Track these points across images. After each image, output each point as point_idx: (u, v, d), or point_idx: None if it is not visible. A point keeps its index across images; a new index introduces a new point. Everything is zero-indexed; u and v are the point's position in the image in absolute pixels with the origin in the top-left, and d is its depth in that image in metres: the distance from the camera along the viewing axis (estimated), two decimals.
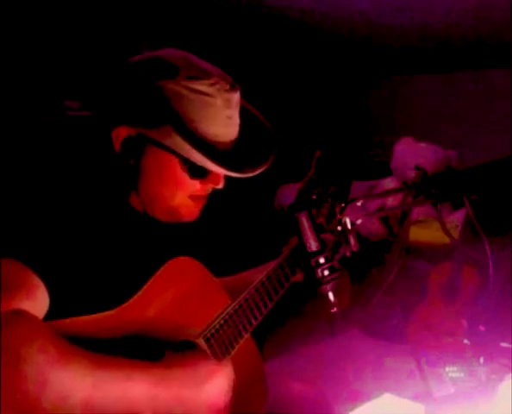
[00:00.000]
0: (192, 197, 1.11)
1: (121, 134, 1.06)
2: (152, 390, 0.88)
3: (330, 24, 2.98)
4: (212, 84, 1.05)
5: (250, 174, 1.10)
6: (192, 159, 1.04)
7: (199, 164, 1.04)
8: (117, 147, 1.06)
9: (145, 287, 1.01)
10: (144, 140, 1.05)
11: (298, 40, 3.25)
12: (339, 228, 1.25)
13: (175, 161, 1.06)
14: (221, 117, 1.08)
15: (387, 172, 3.48)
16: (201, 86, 1.04)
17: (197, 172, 1.08)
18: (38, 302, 0.88)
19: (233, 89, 1.09)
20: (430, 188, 1.39)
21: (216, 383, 0.96)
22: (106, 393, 0.83)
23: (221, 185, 1.12)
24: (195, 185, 1.09)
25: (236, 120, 1.12)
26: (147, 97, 1.03)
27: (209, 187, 1.12)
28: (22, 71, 2.46)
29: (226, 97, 1.07)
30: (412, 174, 1.45)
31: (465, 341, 2.03)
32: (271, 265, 1.19)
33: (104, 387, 0.83)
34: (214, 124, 1.07)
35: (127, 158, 1.07)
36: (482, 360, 1.81)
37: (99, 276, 0.97)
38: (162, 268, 1.05)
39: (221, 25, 2.92)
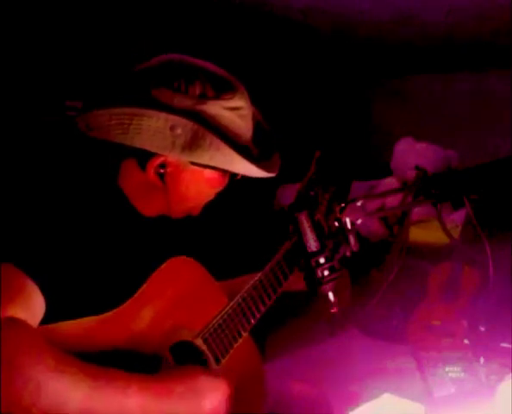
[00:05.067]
0: (215, 192, 1.16)
1: (154, 163, 1.06)
2: (148, 403, 0.87)
3: (330, 24, 2.98)
4: (241, 96, 1.09)
5: (275, 173, 1.15)
6: (242, 171, 1.09)
7: (248, 174, 1.10)
8: (151, 174, 1.06)
9: (142, 288, 1.01)
10: (182, 162, 1.06)
11: (298, 39, 3.25)
12: (336, 223, 1.26)
13: (216, 173, 1.10)
14: (248, 123, 1.12)
15: (387, 172, 3.48)
16: (235, 103, 1.07)
17: (233, 175, 1.13)
18: (33, 307, 0.87)
19: (247, 93, 1.12)
20: (430, 188, 1.39)
21: (215, 397, 0.95)
22: (101, 405, 0.82)
23: (240, 177, 1.15)
24: (225, 183, 1.14)
25: (252, 122, 1.16)
26: (189, 123, 1.03)
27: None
28: (23, 70, 2.46)
29: (248, 103, 1.12)
30: (412, 174, 1.46)
31: (465, 341, 2.03)
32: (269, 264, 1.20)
33: (99, 399, 0.82)
34: (245, 132, 1.11)
35: (161, 182, 1.07)
36: (482, 360, 1.81)
37: (95, 279, 0.97)
38: (159, 269, 1.05)
39: (220, 25, 2.92)
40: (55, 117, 2.50)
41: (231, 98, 1.07)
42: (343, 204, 1.27)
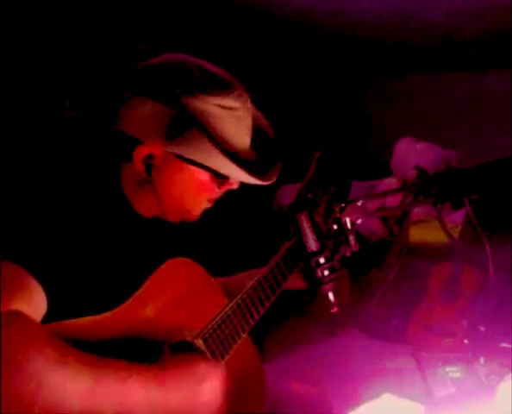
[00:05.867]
0: (209, 200, 1.14)
1: (141, 152, 1.05)
2: (148, 393, 0.88)
3: (330, 24, 2.98)
4: (237, 97, 1.07)
5: (271, 181, 1.12)
6: (227, 173, 1.06)
7: (235, 177, 1.07)
8: (138, 164, 1.06)
9: (142, 288, 1.01)
10: (169, 156, 1.05)
11: (297, 39, 3.25)
12: (335, 226, 1.25)
13: (203, 174, 1.07)
14: (245, 127, 1.10)
15: (387, 172, 3.48)
16: (228, 101, 1.05)
17: (223, 181, 1.10)
18: (35, 304, 0.88)
19: (248, 96, 1.10)
20: (430, 188, 1.39)
21: (212, 384, 0.96)
22: (103, 396, 0.83)
23: (236, 187, 1.13)
24: (216, 190, 1.11)
25: (251, 127, 1.13)
26: (174, 116, 1.02)
27: (225, 189, 1.13)
28: (23, 71, 2.46)
29: (246, 106, 1.09)
30: (412, 174, 1.45)
31: (465, 341, 2.03)
32: (268, 264, 1.20)
33: (101, 390, 0.83)
34: (239, 135, 1.08)
35: (148, 174, 1.07)
36: (482, 360, 1.81)
37: (97, 279, 0.97)
38: (159, 269, 1.05)
39: (219, 24, 2.92)
40: (55, 117, 2.50)
41: (224, 96, 1.05)
42: (343, 204, 1.28)
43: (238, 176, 1.07)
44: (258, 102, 1.19)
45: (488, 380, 1.72)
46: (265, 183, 1.10)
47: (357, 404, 1.57)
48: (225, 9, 2.74)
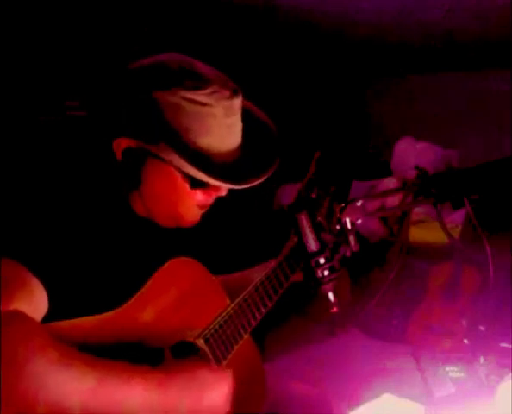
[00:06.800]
0: (198, 205, 1.10)
1: (121, 144, 1.05)
2: (150, 395, 0.87)
3: (330, 24, 2.98)
4: (211, 93, 1.02)
5: (252, 184, 1.07)
6: (190, 173, 1.02)
7: (197, 178, 1.03)
8: (118, 155, 1.06)
9: (144, 288, 1.01)
10: (144, 151, 1.03)
11: (298, 39, 3.25)
12: (338, 226, 1.25)
13: (175, 173, 1.04)
14: (221, 127, 1.05)
15: (387, 172, 3.48)
16: (199, 96, 1.01)
17: (198, 183, 1.05)
18: (36, 303, 0.87)
19: (234, 95, 1.06)
20: (430, 188, 1.39)
21: (217, 389, 0.95)
22: (104, 398, 0.82)
23: (224, 193, 1.10)
24: (198, 195, 1.08)
25: (238, 127, 1.09)
26: (143, 110, 1.01)
27: (213, 195, 1.10)
28: (23, 71, 2.46)
29: (226, 105, 1.04)
30: (412, 174, 1.45)
31: (465, 341, 2.03)
32: (271, 264, 1.19)
33: (102, 391, 0.82)
34: (213, 134, 1.04)
35: (128, 167, 1.06)
36: (482, 360, 1.81)
37: (98, 277, 0.97)
38: (161, 269, 1.05)
39: (219, 24, 2.92)
40: (54, 117, 2.50)
41: (195, 91, 1.01)
42: (343, 204, 1.28)
43: (198, 176, 1.02)
44: (258, 102, 1.18)
45: (488, 380, 1.72)
46: (238, 187, 1.06)
47: (357, 404, 1.57)
48: (225, 9, 2.74)
